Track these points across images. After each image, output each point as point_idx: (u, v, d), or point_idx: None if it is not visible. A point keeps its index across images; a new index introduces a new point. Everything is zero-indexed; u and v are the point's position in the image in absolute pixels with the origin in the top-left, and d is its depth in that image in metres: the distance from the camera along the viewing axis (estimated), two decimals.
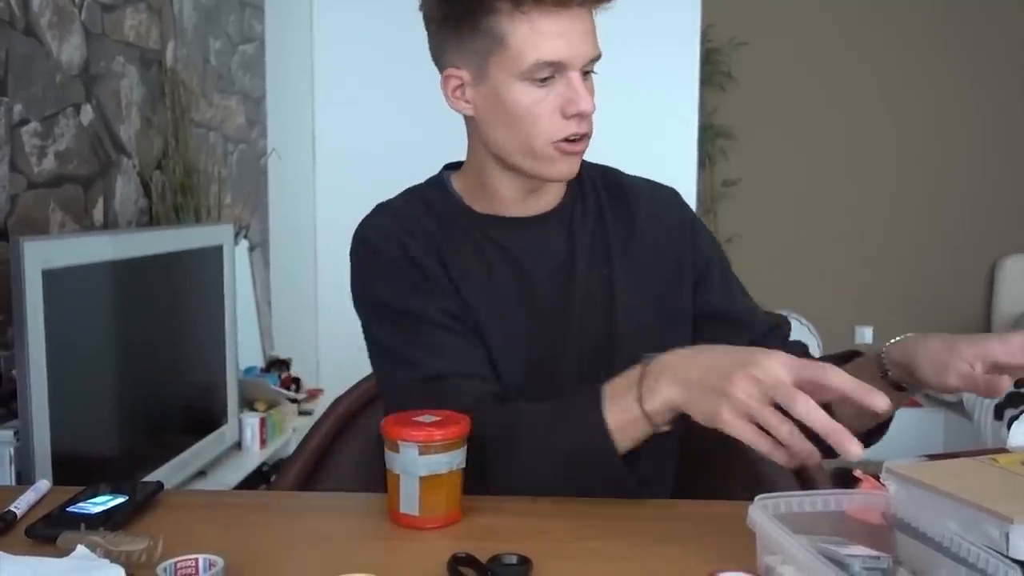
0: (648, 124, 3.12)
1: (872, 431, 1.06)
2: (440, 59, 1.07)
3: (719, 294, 1.15)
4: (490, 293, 1.08)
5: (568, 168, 1.05)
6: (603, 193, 1.15)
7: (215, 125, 2.84)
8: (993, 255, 4.30)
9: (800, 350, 1.11)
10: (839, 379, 0.81)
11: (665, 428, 0.93)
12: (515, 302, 1.09)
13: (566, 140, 1.02)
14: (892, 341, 1.02)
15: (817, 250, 4.35)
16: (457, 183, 1.14)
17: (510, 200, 1.11)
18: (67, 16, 2.01)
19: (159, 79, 2.45)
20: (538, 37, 0.98)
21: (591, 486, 0.96)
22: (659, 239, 1.14)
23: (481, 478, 0.95)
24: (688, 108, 3.19)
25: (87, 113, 2.10)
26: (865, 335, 4.39)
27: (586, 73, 1.03)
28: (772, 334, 1.14)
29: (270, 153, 3.27)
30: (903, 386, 1.02)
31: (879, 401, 0.80)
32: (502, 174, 1.09)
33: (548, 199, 1.12)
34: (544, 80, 1.00)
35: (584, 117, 1.01)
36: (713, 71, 4.08)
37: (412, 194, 1.15)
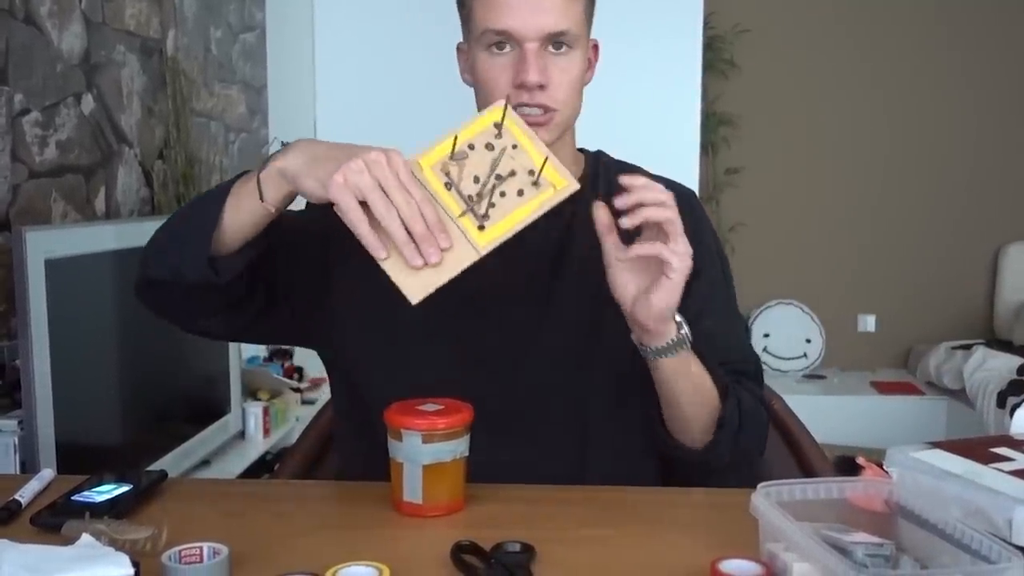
0: (650, 112, 3.11)
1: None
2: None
3: (692, 305, 1.08)
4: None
5: None
6: (615, 187, 1.14)
7: (216, 114, 2.83)
8: (997, 242, 4.29)
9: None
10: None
11: (273, 208, 0.95)
12: (495, 279, 1.05)
13: (516, 108, 1.01)
14: None
15: (820, 238, 4.35)
16: None
17: None
18: (67, 5, 2.00)
19: (160, 68, 2.44)
20: (489, 8, 1.01)
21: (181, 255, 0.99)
22: None
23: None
24: (690, 96, 3.17)
25: (88, 102, 2.09)
26: (868, 323, 4.39)
27: (557, 48, 1.02)
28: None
29: (272, 142, 3.26)
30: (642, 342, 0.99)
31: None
32: None
33: None
34: (501, 50, 1.02)
35: (529, 88, 1.01)
36: (715, 58, 4.07)
37: None
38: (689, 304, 1.05)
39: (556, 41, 1.02)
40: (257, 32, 3.18)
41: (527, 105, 1.02)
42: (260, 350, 3.02)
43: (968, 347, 3.86)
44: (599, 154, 1.18)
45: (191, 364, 2.26)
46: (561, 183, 0.94)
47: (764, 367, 1.17)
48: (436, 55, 2.84)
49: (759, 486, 0.78)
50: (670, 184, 1.17)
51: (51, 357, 1.57)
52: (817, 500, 0.78)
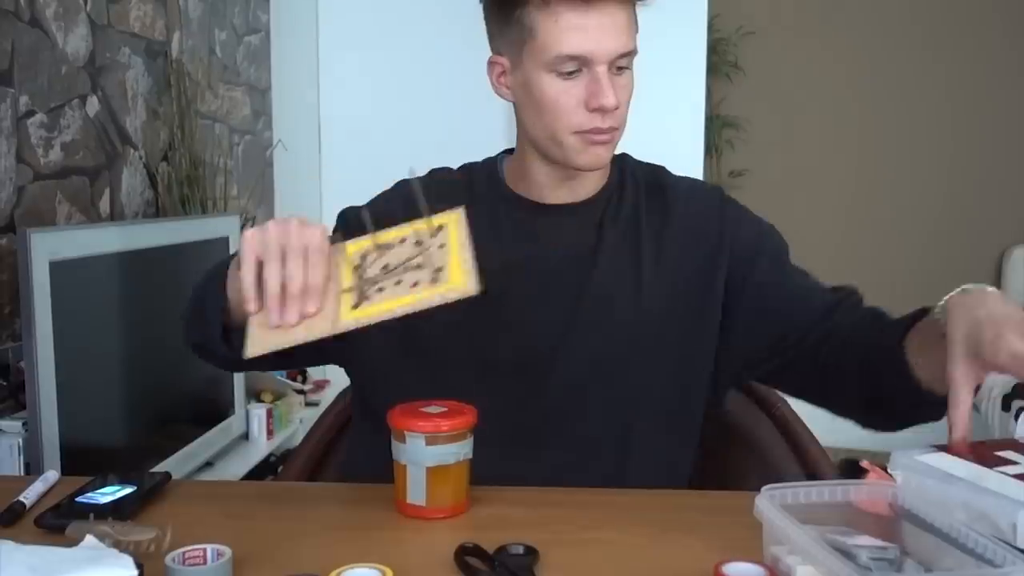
0: (655, 114, 3.08)
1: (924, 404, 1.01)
2: (490, 45, 1.10)
3: (769, 279, 1.12)
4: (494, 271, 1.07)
5: (593, 158, 1.06)
6: (643, 191, 1.15)
7: (221, 116, 2.84)
8: (1001, 245, 4.28)
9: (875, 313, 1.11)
10: None
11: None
12: (522, 284, 1.07)
13: (590, 131, 1.03)
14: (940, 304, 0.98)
15: (824, 240, 4.34)
16: (506, 165, 1.16)
17: (545, 186, 1.11)
18: (72, 7, 2.01)
19: (165, 70, 2.45)
20: (562, 31, 1.00)
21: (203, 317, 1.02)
22: (692, 234, 1.12)
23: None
24: (695, 98, 3.17)
25: (93, 104, 2.10)
26: None
27: (620, 68, 1.04)
28: (837, 308, 1.12)
29: (276, 144, 3.27)
30: None
31: None
32: (538, 160, 1.10)
33: (584, 190, 1.12)
34: (570, 73, 1.01)
35: (606, 111, 1.02)
36: (719, 61, 4.06)
37: (463, 167, 1.19)
38: (783, 270, 1.14)
39: (621, 61, 1.03)
40: (261, 34, 3.19)
41: (600, 129, 1.02)
42: None
43: None
44: (624, 156, 1.18)
45: (194, 366, 2.25)
46: (458, 283, 0.86)
47: None
48: (440, 57, 2.85)
49: (763, 489, 0.78)
50: (694, 183, 1.19)
51: (55, 359, 1.58)
52: (821, 503, 0.78)
